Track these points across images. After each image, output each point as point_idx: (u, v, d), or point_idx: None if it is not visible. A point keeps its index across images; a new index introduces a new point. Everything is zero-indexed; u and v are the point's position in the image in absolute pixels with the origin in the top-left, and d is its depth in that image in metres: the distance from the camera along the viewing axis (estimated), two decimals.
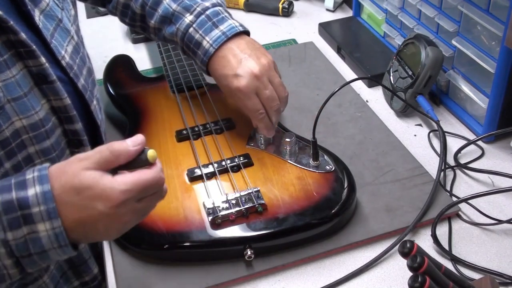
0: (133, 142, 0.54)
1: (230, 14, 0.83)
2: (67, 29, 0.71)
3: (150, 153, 0.55)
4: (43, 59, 0.62)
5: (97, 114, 0.74)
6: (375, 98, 1.01)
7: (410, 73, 0.92)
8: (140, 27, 0.90)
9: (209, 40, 0.79)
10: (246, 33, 0.82)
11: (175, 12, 0.81)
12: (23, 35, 0.60)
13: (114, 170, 0.54)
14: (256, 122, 0.79)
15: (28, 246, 0.51)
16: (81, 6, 1.41)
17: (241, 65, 0.77)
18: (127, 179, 0.53)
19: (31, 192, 0.51)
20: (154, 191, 0.56)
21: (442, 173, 0.80)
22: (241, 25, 0.81)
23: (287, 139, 0.78)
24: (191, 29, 0.80)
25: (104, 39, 1.24)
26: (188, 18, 0.80)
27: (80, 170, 0.52)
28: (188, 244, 0.69)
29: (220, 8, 0.82)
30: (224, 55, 0.78)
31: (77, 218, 0.52)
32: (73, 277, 0.77)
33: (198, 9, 0.80)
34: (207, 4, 0.81)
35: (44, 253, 0.52)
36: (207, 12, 0.80)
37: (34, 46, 0.61)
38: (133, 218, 0.56)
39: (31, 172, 0.53)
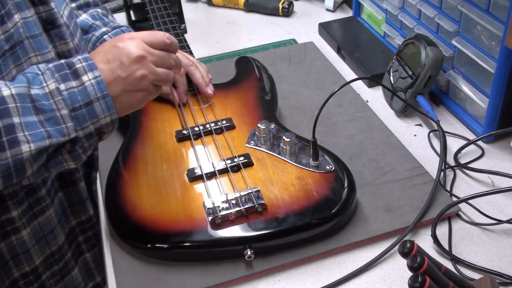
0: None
1: None
2: None
3: None
4: (52, 4, 0.70)
5: None
6: (375, 98, 1.01)
7: (410, 73, 0.92)
8: None
9: None
10: None
11: (93, 24, 0.90)
12: None
13: None
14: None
15: (77, 97, 0.61)
16: None
17: None
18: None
19: (74, 59, 0.64)
20: (164, 43, 0.68)
21: (442, 173, 0.80)
22: None
23: (287, 139, 0.78)
24: (106, 36, 0.89)
25: None
26: (104, 29, 0.90)
27: None
28: (188, 244, 0.69)
29: (132, 30, 0.95)
30: None
31: (107, 59, 0.64)
32: (71, 215, 0.83)
33: (114, 25, 0.91)
34: (121, 25, 0.92)
35: (90, 106, 0.62)
36: (122, 28, 0.91)
37: None
38: (149, 69, 0.65)
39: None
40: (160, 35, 0.68)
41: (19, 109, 0.59)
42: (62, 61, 0.63)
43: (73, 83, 0.62)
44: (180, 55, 0.91)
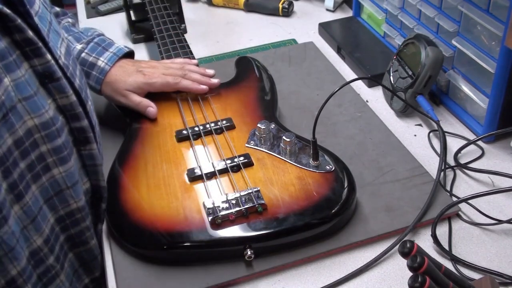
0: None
1: (112, 40, 0.97)
2: (57, 32, 0.72)
3: None
4: (48, 56, 0.63)
5: (92, 114, 0.75)
6: (375, 98, 1.01)
7: (410, 73, 0.92)
8: None
9: (103, 60, 0.91)
10: (131, 53, 0.97)
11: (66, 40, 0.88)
12: (30, 33, 0.60)
13: None
14: (180, 87, 0.90)
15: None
16: (81, 6, 1.42)
17: (140, 66, 0.91)
18: None
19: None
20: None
21: (442, 173, 0.80)
22: (126, 47, 0.95)
23: (287, 139, 0.78)
24: (83, 54, 0.90)
25: None
26: (79, 46, 0.91)
27: None
28: (188, 244, 0.69)
29: (103, 36, 0.96)
30: (121, 66, 0.91)
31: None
32: (83, 274, 0.79)
33: (87, 39, 0.92)
34: (92, 35, 0.94)
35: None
36: (95, 40, 0.92)
37: (40, 43, 0.62)
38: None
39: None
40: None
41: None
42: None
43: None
44: (171, 66, 0.93)
